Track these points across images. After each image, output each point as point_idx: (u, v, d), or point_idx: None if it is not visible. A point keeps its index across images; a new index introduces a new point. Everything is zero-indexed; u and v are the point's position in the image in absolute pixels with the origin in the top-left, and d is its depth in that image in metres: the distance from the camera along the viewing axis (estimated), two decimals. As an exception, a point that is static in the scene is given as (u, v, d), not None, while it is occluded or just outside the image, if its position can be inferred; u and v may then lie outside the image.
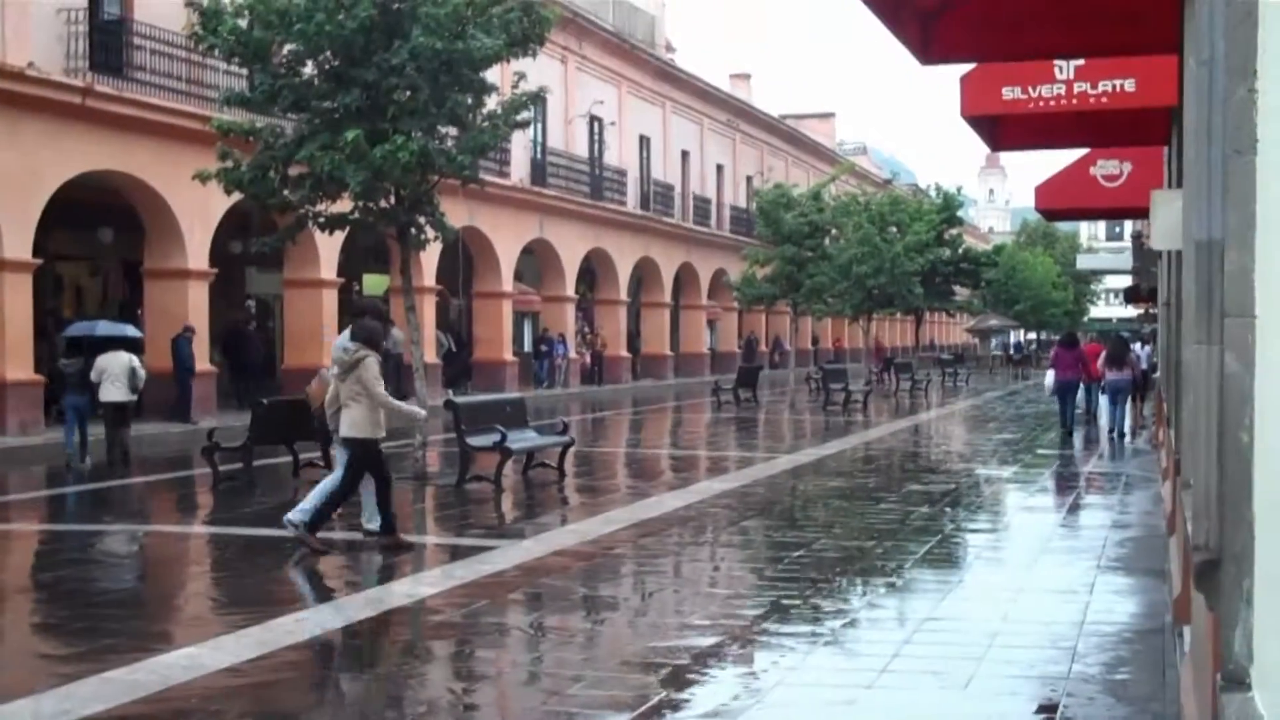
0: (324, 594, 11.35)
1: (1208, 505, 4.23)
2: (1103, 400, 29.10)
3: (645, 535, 14.08)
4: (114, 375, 21.47)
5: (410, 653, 9.24)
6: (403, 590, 11.12)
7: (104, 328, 24.60)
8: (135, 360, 22.01)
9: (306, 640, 9.24)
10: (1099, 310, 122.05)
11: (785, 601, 10.53)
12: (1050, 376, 30.29)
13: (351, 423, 12.96)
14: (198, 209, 29.49)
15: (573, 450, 20.98)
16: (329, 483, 13.45)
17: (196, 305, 30.46)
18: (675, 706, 7.69)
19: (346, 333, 13.97)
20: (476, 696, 8.16)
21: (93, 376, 21.60)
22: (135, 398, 22.30)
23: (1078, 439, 27.55)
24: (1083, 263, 73.64)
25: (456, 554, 13.27)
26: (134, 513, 18.14)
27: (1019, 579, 11.62)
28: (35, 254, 26.63)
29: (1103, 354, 28.70)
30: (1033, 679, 8.21)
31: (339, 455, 13.72)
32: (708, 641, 9.25)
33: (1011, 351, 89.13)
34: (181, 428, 27.78)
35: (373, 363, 12.95)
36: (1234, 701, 3.97)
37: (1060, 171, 17.94)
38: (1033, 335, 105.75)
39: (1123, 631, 9.57)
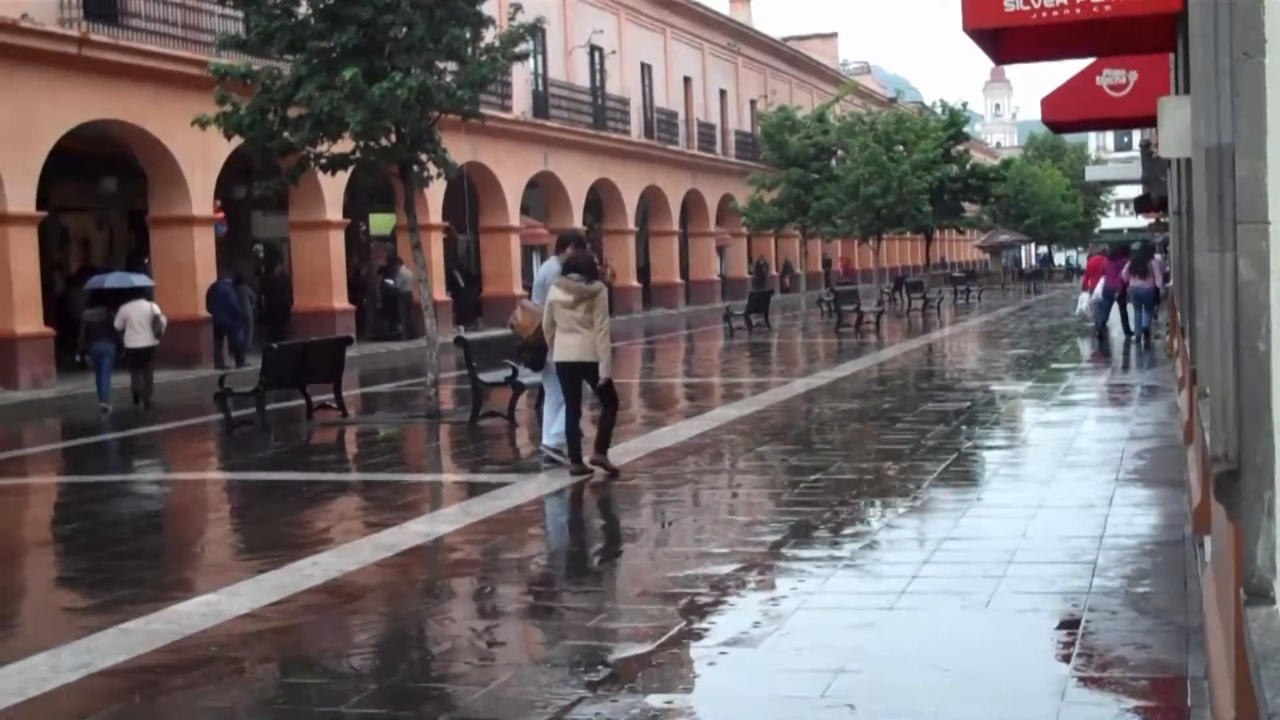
0: (346, 535, 11.33)
1: (1225, 416, 4.16)
2: (1129, 308, 29.78)
3: (662, 464, 14.06)
4: (137, 322, 22.69)
5: (430, 592, 9.22)
6: (420, 529, 11.10)
7: (113, 279, 24.91)
8: (156, 308, 23.26)
9: (325, 583, 9.22)
10: (1110, 221, 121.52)
11: (803, 526, 10.50)
12: (1085, 297, 32.37)
13: (583, 348, 13.23)
14: (199, 155, 29.38)
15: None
16: (551, 407, 14.04)
17: (203, 252, 30.40)
18: (696, 636, 7.67)
19: (552, 261, 14.39)
20: (497, 633, 8.15)
21: (117, 324, 22.73)
22: (157, 342, 23.21)
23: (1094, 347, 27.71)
24: (1092, 174, 73.07)
25: (473, 490, 13.25)
26: (149, 461, 18.16)
27: (1037, 495, 11.58)
28: (39, 207, 26.56)
29: (1127, 263, 29.51)
30: (1054, 595, 8.17)
31: (546, 378, 14.19)
32: (726, 569, 9.22)
33: (1036, 265, 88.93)
34: (194, 374, 27.76)
35: (605, 295, 13.54)
36: (1258, 615, 3.92)
37: (1066, 83, 17.75)
38: (1044, 249, 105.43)
39: (1143, 544, 9.53)
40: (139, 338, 22.80)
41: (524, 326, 14.26)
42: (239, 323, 30.84)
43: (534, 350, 14.17)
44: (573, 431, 13.63)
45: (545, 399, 14.45)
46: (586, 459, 13.52)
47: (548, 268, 14.41)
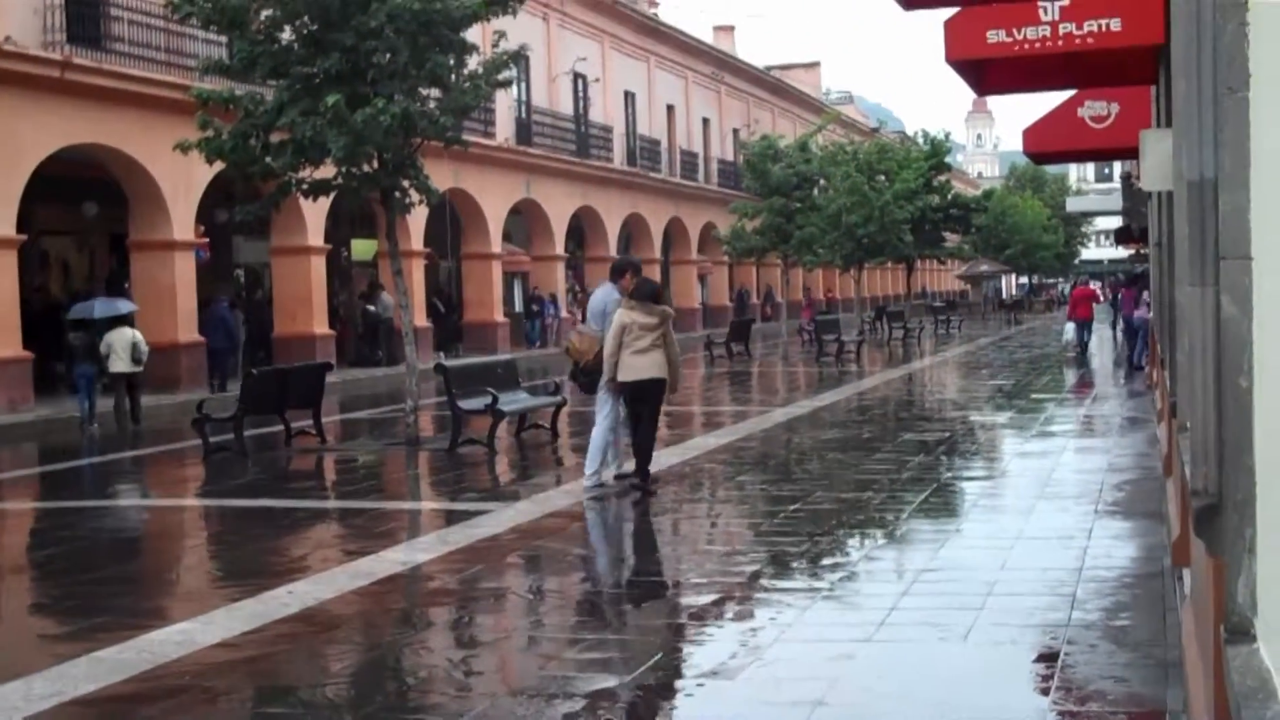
0: (322, 563, 11.25)
1: (1206, 450, 4.14)
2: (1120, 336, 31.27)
3: (641, 493, 14.00)
4: (119, 349, 23.53)
5: (406, 621, 9.16)
6: (397, 558, 11.04)
7: (100, 308, 25.39)
8: (138, 335, 24.09)
9: (300, 611, 9.15)
10: (1090, 252, 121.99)
11: (782, 556, 10.46)
12: (1070, 327, 33.79)
13: (658, 365, 13.90)
14: (181, 179, 29.32)
15: (565, 410, 20.91)
16: (600, 436, 14.36)
17: (184, 276, 30.32)
18: (673, 666, 7.63)
19: (607, 287, 14.91)
20: (474, 663, 8.09)
21: (102, 350, 23.57)
22: (140, 368, 23.98)
23: (1078, 376, 27.77)
24: (1072, 205, 73.23)
25: (451, 519, 13.19)
26: (125, 487, 18.07)
27: (1016, 526, 11.55)
28: (20, 230, 26.46)
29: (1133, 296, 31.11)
30: (1033, 627, 8.14)
31: (603, 400, 14.44)
32: (705, 599, 9.18)
33: (1018, 295, 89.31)
34: (173, 399, 27.64)
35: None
36: (1239, 654, 3.89)
37: (1047, 114, 17.80)
38: (1025, 279, 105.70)
39: (1122, 576, 9.51)
40: (120, 364, 23.55)
41: (583, 351, 14.70)
42: (233, 347, 30.94)
43: (591, 374, 14.59)
44: (647, 447, 14.16)
45: (596, 424, 14.62)
46: (609, 473, 14.37)
47: (606, 294, 14.88)
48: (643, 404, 14.12)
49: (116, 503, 16.22)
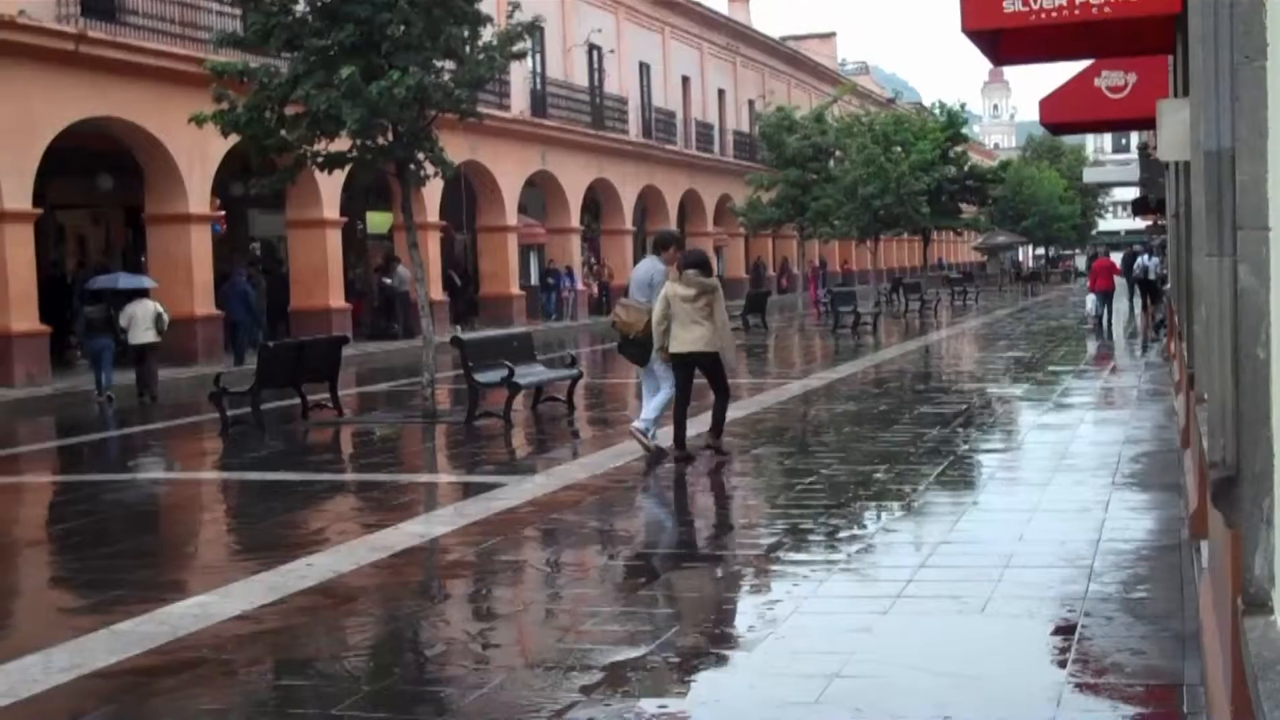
0: (340, 535, 11.28)
1: (1224, 422, 4.12)
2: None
3: (657, 466, 14.01)
4: (141, 320, 23.92)
5: (424, 593, 9.19)
6: (415, 530, 11.06)
7: (125, 280, 26.01)
8: (160, 306, 24.51)
9: (318, 584, 9.17)
10: (1107, 224, 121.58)
11: (799, 529, 10.46)
12: (1092, 298, 34.24)
13: (705, 339, 14.10)
14: (196, 152, 29.36)
15: (582, 383, 20.92)
16: (664, 396, 14.66)
17: (200, 249, 30.36)
18: (689, 638, 7.63)
19: (652, 259, 15.28)
20: (492, 635, 8.11)
21: (122, 322, 23.95)
22: (159, 339, 24.33)
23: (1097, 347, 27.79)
24: (1089, 176, 73.14)
25: (468, 491, 13.22)
26: (143, 460, 18.11)
27: (1033, 498, 11.53)
28: (35, 204, 26.52)
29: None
30: (1050, 600, 8.13)
31: (662, 370, 14.65)
32: (722, 572, 9.19)
33: (1035, 266, 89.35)
34: (190, 372, 27.70)
35: (721, 291, 14.52)
36: (1257, 626, 3.88)
37: (1064, 84, 17.71)
38: (1041, 251, 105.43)
39: (1139, 548, 9.49)
40: (143, 335, 23.92)
41: (631, 323, 14.79)
42: (254, 320, 31.08)
43: (640, 345, 14.72)
44: (682, 419, 14.34)
45: (644, 386, 15.18)
46: (701, 443, 14.55)
47: (651, 266, 15.18)
48: (687, 375, 14.39)
49: (134, 476, 16.26)
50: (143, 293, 24.99)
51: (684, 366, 14.33)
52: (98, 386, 23.98)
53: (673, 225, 57.29)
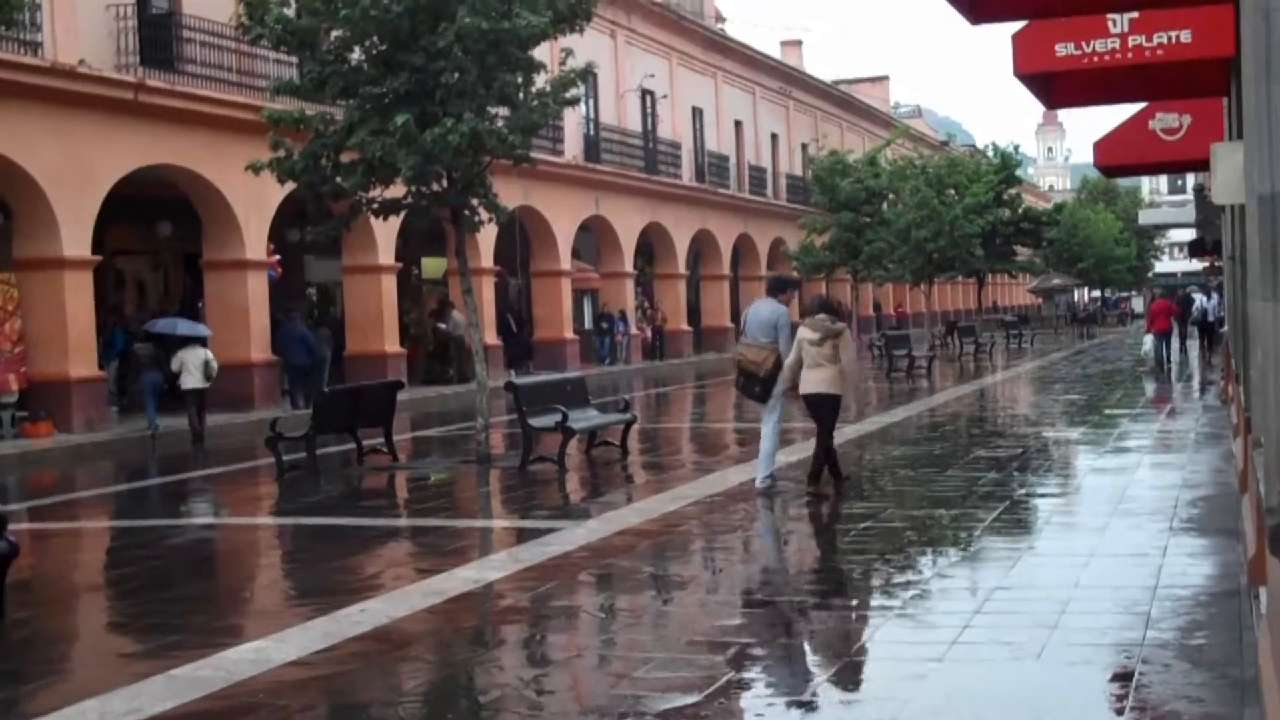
0: (395, 580, 11.31)
1: (1281, 468, 4.09)
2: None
3: (711, 511, 14.00)
4: (192, 366, 25.01)
5: (478, 639, 9.20)
6: (468, 575, 11.07)
7: (184, 327, 26.76)
8: (210, 354, 25.45)
9: (373, 630, 9.20)
10: (1164, 265, 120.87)
11: (854, 574, 10.42)
12: (1148, 340, 34.46)
13: (827, 381, 14.89)
14: (253, 199, 29.61)
15: (636, 427, 20.92)
16: (771, 440, 15.34)
17: (256, 295, 30.58)
18: (744, 686, 7.62)
19: (771, 302, 15.73)
20: (545, 682, 8.10)
21: (174, 366, 25.19)
22: (208, 385, 25.31)
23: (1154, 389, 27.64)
24: (1145, 218, 72.68)
25: (522, 536, 13.23)
26: (200, 505, 18.23)
27: (1090, 544, 11.45)
28: (95, 250, 26.80)
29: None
30: (1106, 646, 8.07)
31: (769, 412, 15.33)
32: (777, 618, 9.16)
33: (1090, 309, 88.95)
34: (246, 417, 27.88)
35: (849, 333, 15.39)
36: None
37: (1118, 126, 17.68)
38: (1097, 293, 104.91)
39: (1197, 594, 9.41)
40: (193, 380, 24.94)
41: (758, 363, 15.20)
42: (315, 364, 31.39)
43: (765, 384, 15.18)
44: (824, 451, 15.23)
45: (763, 434, 15.47)
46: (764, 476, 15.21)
47: (773, 308, 15.58)
48: (816, 412, 15.12)
49: (191, 521, 16.37)
50: (197, 339, 25.78)
51: (811, 405, 15.11)
52: (149, 421, 25.30)
53: (725, 269, 57.44)
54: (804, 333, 14.92)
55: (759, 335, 15.37)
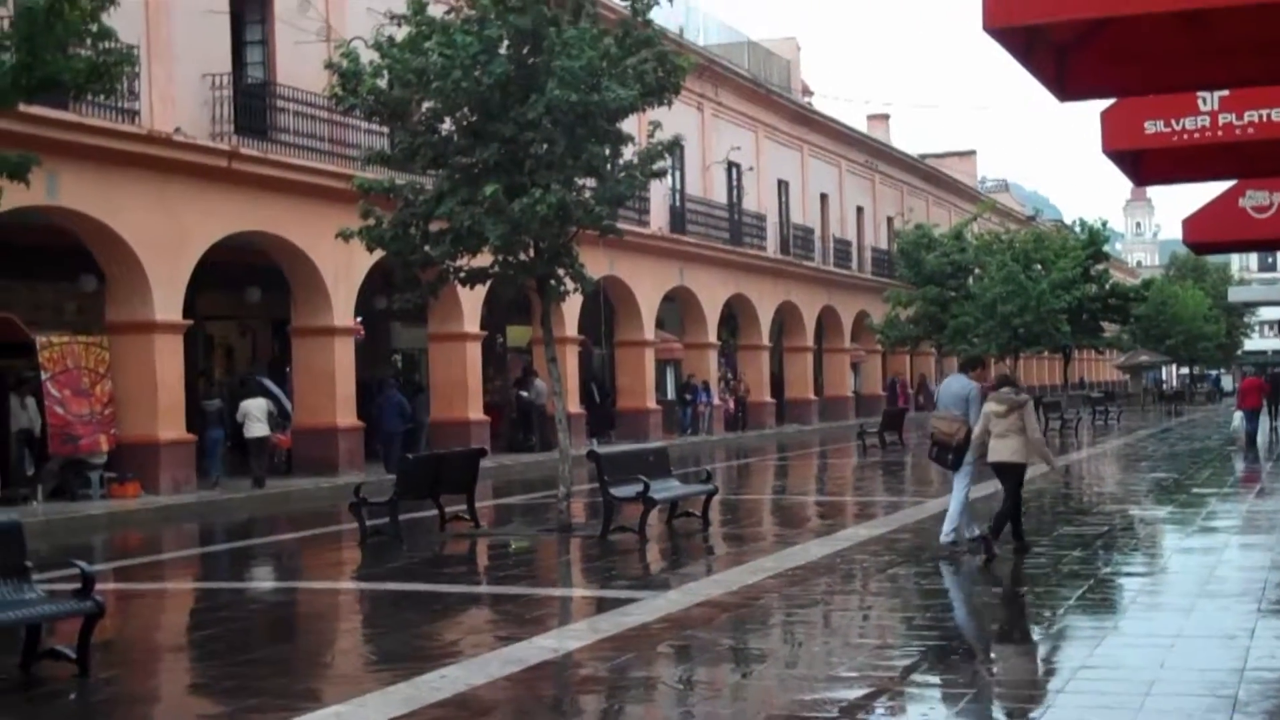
0: (474, 648, 11.33)
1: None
2: None
3: (791, 584, 13.94)
4: (254, 415, 27.55)
5: (556, 709, 9.20)
6: (548, 644, 11.08)
7: (271, 386, 30.49)
8: (272, 405, 28.22)
9: (452, 696, 9.22)
10: (1253, 343, 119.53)
11: (936, 651, 10.34)
12: (1238, 417, 34.39)
13: (1012, 450, 15.76)
14: (342, 267, 29.92)
15: (717, 498, 20.88)
16: (959, 502, 16.39)
17: (343, 361, 30.84)
18: (823, 762, 7.56)
19: (962, 378, 17.04)
20: (622, 753, 8.09)
21: (238, 416, 27.65)
22: (270, 433, 27.94)
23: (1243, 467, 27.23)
24: (1235, 295, 72.12)
25: (601, 606, 13.24)
26: (283, 569, 18.36)
27: (1176, 624, 11.31)
28: (185, 315, 27.17)
29: None
30: (1193, 730, 7.96)
31: (960, 480, 16.38)
32: (856, 694, 9.11)
33: (1178, 385, 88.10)
34: (330, 482, 28.06)
35: (1031, 405, 16.39)
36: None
37: (1208, 204, 17.54)
38: (1185, 370, 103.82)
39: (1286, 678, 9.27)
40: (257, 428, 27.46)
41: (951, 433, 16.33)
42: (411, 430, 31.80)
43: (957, 453, 16.27)
44: (1005, 518, 15.85)
45: (953, 496, 16.55)
46: (965, 532, 16.34)
47: (959, 383, 16.84)
48: (1005, 479, 15.96)
49: (274, 584, 16.48)
50: (260, 390, 28.84)
51: (998, 471, 15.98)
52: (213, 468, 27.14)
53: (809, 341, 57.33)
54: (990, 406, 15.90)
55: (951, 408, 16.49)
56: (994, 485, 22.28)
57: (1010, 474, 15.87)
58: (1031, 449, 15.95)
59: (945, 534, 16.36)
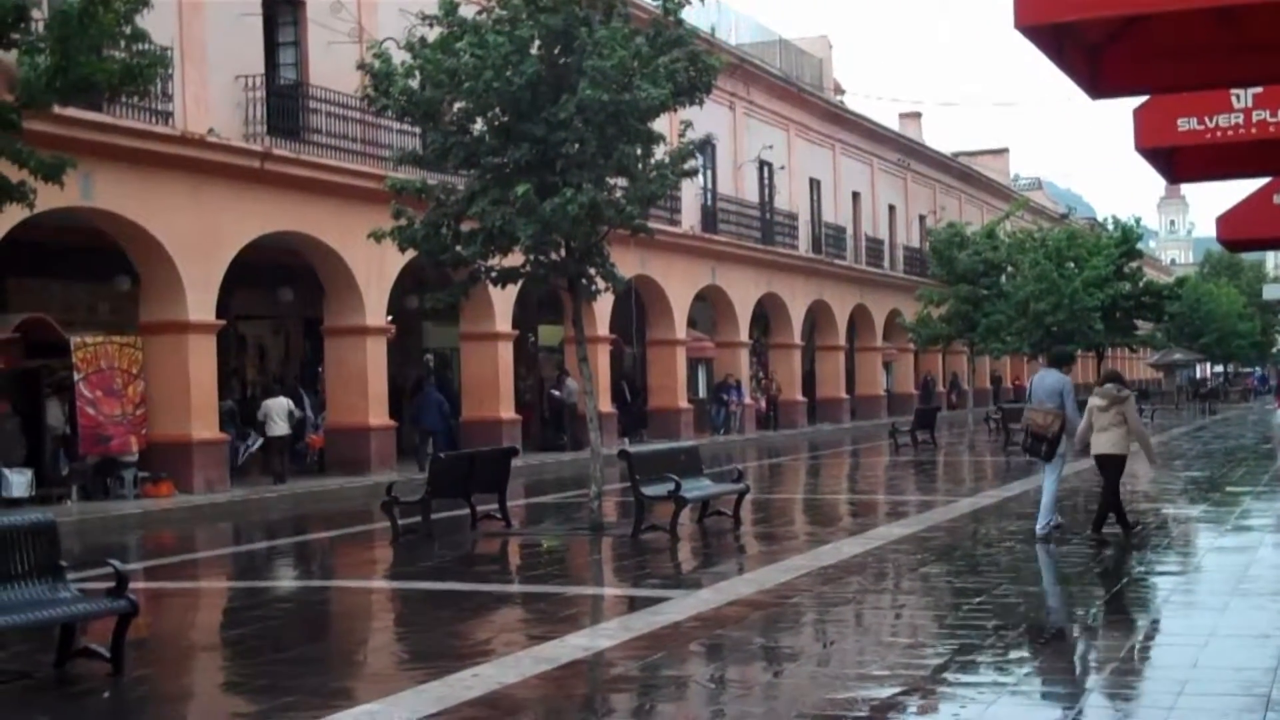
0: (506, 646, 11.36)
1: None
2: None
3: (823, 583, 13.92)
4: (275, 415, 28.70)
5: (588, 707, 9.21)
6: (579, 643, 11.09)
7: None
8: (291, 404, 29.26)
9: (484, 695, 9.24)
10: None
11: (967, 650, 10.32)
12: None
13: (1113, 443, 16.66)
14: (374, 266, 30.01)
15: (748, 497, 20.87)
16: (1050, 493, 17.13)
17: (375, 360, 30.93)
18: (854, 761, 7.56)
19: (1055, 373, 17.61)
20: (653, 751, 8.10)
21: (259, 416, 29.01)
22: (291, 432, 29.14)
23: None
24: (1269, 292, 71.70)
25: (633, 605, 13.24)
26: (315, 568, 18.43)
27: (1210, 623, 11.26)
28: (219, 315, 27.29)
29: None
30: (1226, 729, 7.93)
31: (1051, 471, 17.09)
32: (888, 692, 9.10)
33: (1213, 383, 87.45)
34: (361, 481, 28.15)
35: (1133, 400, 17.24)
36: None
37: (1242, 201, 17.43)
38: (1219, 368, 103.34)
39: (1321, 677, 9.22)
40: (278, 428, 28.60)
41: (1046, 425, 16.99)
42: (448, 429, 32.07)
43: (1051, 444, 16.94)
44: (1108, 506, 16.88)
45: (1045, 487, 17.25)
46: (1054, 520, 17.11)
47: (1052, 377, 17.49)
48: (1103, 470, 16.91)
49: (307, 583, 16.55)
50: (281, 390, 29.89)
51: (1100, 463, 16.86)
52: (231, 471, 27.71)
53: (841, 340, 57.26)
54: (1094, 400, 16.75)
55: (1045, 401, 17.14)
56: (1018, 486, 22.38)
57: (1111, 465, 16.69)
58: (1134, 441, 16.83)
59: (1041, 526, 16.94)
